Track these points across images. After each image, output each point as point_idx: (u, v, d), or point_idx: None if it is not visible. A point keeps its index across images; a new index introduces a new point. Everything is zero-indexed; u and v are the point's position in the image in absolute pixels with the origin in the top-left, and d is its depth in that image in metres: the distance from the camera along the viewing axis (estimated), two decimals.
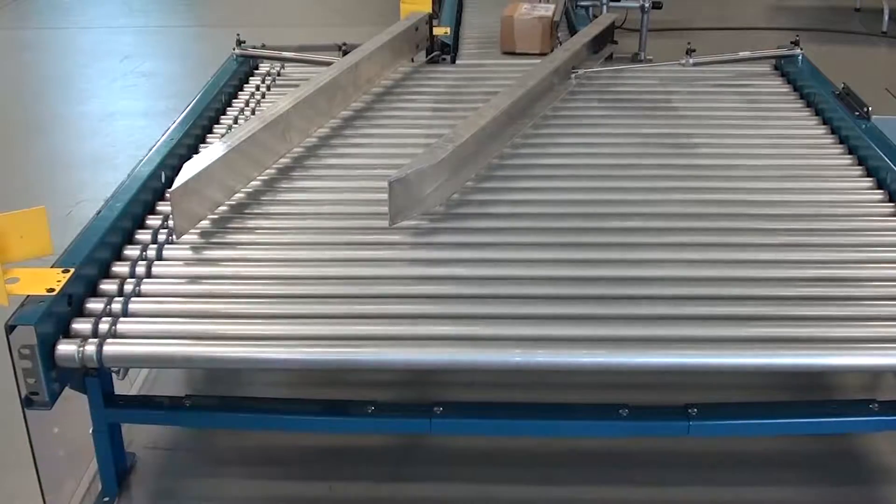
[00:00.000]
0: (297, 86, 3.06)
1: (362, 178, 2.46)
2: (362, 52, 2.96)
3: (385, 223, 2.21)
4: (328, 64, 3.20)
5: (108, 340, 1.82)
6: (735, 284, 2.00)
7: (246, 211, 2.32)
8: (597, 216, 2.27)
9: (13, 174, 3.90)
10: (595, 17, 4.05)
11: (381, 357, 1.83)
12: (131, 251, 2.13)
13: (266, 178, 2.48)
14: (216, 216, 2.30)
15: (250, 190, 2.42)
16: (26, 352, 1.73)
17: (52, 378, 1.78)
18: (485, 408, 2.06)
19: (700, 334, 1.85)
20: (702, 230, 2.19)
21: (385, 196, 2.26)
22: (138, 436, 2.21)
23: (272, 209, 2.32)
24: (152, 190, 2.36)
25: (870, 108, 2.67)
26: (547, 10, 3.55)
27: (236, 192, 2.34)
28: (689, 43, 3.23)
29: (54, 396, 1.78)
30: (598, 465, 2.16)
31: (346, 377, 2.36)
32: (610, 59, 3.44)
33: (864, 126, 2.61)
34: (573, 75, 2.99)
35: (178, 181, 2.14)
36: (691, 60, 3.14)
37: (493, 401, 2.09)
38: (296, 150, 2.63)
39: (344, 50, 3.29)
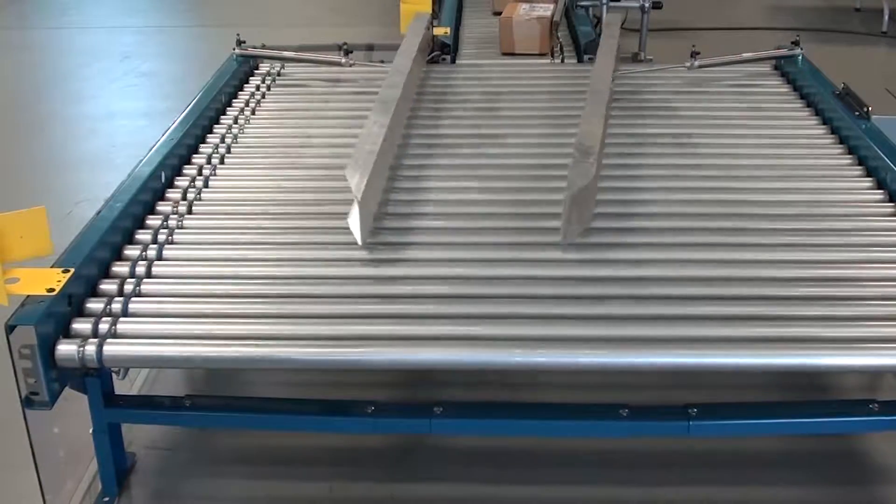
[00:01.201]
0: (299, 86, 3.09)
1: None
2: (409, 56, 2.97)
3: (384, 223, 2.22)
4: (329, 63, 3.21)
5: (108, 340, 1.82)
6: (735, 284, 2.00)
7: (246, 211, 2.32)
8: (597, 216, 2.26)
9: (13, 174, 3.90)
10: (596, 17, 4.05)
11: (381, 357, 1.83)
12: (131, 251, 2.13)
13: (266, 178, 2.49)
14: (216, 216, 2.30)
15: (250, 190, 2.42)
16: (26, 352, 1.73)
17: (52, 378, 1.78)
18: (485, 408, 2.06)
19: (700, 334, 1.85)
20: (702, 230, 2.19)
21: (381, 196, 2.28)
22: (138, 436, 2.21)
23: (272, 209, 2.32)
24: (152, 190, 2.36)
25: (870, 108, 2.67)
26: (546, 11, 3.55)
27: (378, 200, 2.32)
28: (693, 45, 3.23)
29: (54, 396, 1.78)
30: (598, 465, 2.15)
31: (346, 377, 2.36)
32: None
33: (864, 126, 2.61)
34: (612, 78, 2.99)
35: (358, 188, 2.09)
36: (696, 63, 3.14)
37: (493, 401, 2.09)
38: (298, 150, 2.64)
39: (345, 49, 3.29)
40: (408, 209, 2.30)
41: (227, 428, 2.23)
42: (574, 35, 3.76)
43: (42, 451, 1.84)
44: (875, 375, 2.38)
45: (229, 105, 2.96)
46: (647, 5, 4.34)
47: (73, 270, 1.89)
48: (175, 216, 2.27)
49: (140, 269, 2.06)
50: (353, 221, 2.10)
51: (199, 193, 2.38)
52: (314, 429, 2.14)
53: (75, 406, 1.94)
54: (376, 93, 3.04)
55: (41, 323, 1.74)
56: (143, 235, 2.20)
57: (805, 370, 2.21)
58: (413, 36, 3.15)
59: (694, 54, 3.17)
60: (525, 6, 3.61)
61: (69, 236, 2.06)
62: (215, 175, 2.49)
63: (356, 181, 2.12)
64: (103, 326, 1.86)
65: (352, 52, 3.28)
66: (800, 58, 3.18)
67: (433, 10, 3.55)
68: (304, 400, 2.17)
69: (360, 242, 2.09)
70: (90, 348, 1.80)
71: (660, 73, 3.19)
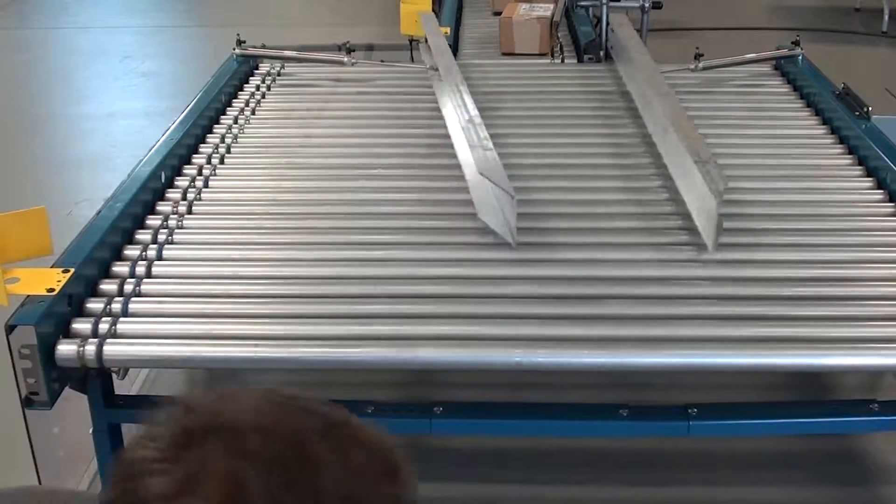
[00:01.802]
0: (299, 86, 3.09)
1: (362, 178, 2.46)
2: (448, 53, 3.03)
3: (384, 223, 2.22)
4: (331, 63, 3.20)
5: (108, 340, 1.82)
6: (735, 284, 1.99)
7: (246, 211, 2.32)
8: (596, 216, 2.27)
9: (13, 174, 3.90)
10: (595, 17, 4.04)
11: (381, 357, 1.83)
12: (131, 251, 2.13)
13: (266, 178, 2.49)
14: (216, 216, 2.30)
15: (250, 190, 2.42)
16: (26, 352, 1.73)
17: (52, 378, 1.77)
18: (485, 408, 2.06)
19: (700, 334, 1.85)
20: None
21: (382, 196, 2.27)
22: None
23: (272, 209, 2.32)
24: (152, 190, 2.36)
25: (870, 108, 2.67)
26: (545, 11, 3.54)
27: None
28: (697, 48, 3.24)
29: (54, 396, 1.78)
30: (598, 465, 2.16)
31: (346, 377, 2.36)
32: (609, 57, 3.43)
33: (864, 126, 2.61)
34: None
35: (509, 186, 2.07)
36: (700, 65, 3.15)
37: (493, 401, 2.09)
38: (298, 150, 2.64)
39: (348, 48, 3.28)
40: (407, 209, 2.30)
41: None
42: (574, 35, 3.75)
43: (42, 451, 1.84)
44: (875, 375, 2.38)
45: (229, 105, 2.96)
46: (647, 5, 4.33)
47: (73, 270, 1.89)
48: (175, 216, 2.27)
49: (140, 269, 2.06)
50: (505, 221, 2.06)
51: (199, 193, 2.38)
52: None
53: (75, 406, 1.94)
54: (377, 93, 3.06)
55: (41, 323, 1.74)
56: (143, 235, 2.20)
57: (805, 370, 2.21)
58: (436, 35, 3.18)
59: (698, 56, 3.17)
60: (525, 6, 3.61)
61: (69, 236, 2.06)
62: (215, 175, 2.49)
63: (504, 182, 2.09)
64: (103, 326, 1.86)
65: (354, 50, 3.28)
66: (800, 58, 3.18)
67: (433, 9, 3.55)
68: None
69: (514, 244, 2.06)
70: (90, 348, 1.80)
71: (666, 75, 3.18)
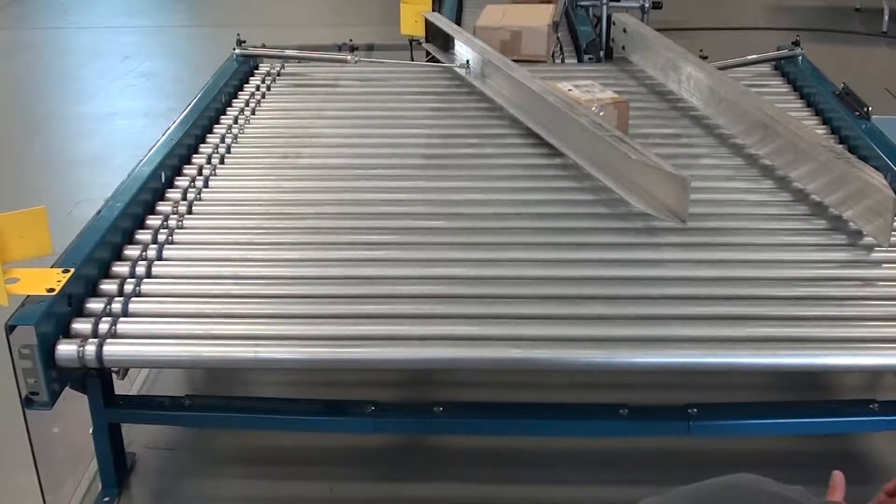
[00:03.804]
0: (299, 85, 3.10)
1: (362, 178, 2.46)
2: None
3: (384, 223, 2.22)
4: (334, 62, 3.20)
5: (108, 340, 1.82)
6: (735, 284, 2.00)
7: (246, 211, 2.32)
8: (596, 216, 2.27)
9: (13, 174, 3.90)
10: (595, 17, 4.05)
11: (381, 357, 1.83)
12: (131, 251, 2.13)
13: (266, 178, 2.49)
14: (216, 216, 2.30)
15: (250, 190, 2.42)
16: (26, 352, 1.73)
17: (52, 378, 1.78)
18: (485, 408, 2.06)
19: (700, 334, 1.85)
20: (701, 230, 2.19)
21: (382, 196, 2.27)
22: (138, 436, 2.21)
23: (272, 209, 2.32)
24: (152, 190, 2.36)
25: (870, 108, 2.67)
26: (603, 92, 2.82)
27: None
28: (701, 50, 3.23)
29: (54, 396, 1.78)
30: (598, 465, 2.15)
31: (346, 377, 2.36)
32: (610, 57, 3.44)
33: (864, 126, 2.61)
34: None
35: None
36: None
37: (493, 401, 2.09)
38: (298, 150, 2.64)
39: (350, 46, 3.28)
40: (408, 209, 2.30)
41: (227, 428, 2.23)
42: (574, 35, 3.75)
43: (42, 451, 1.84)
44: (875, 375, 2.38)
45: (229, 105, 2.96)
46: (647, 5, 4.34)
47: (73, 270, 1.89)
48: (175, 216, 2.27)
49: (140, 270, 2.06)
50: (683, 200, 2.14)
51: (199, 193, 2.38)
52: (314, 429, 2.14)
53: (75, 406, 1.94)
54: (377, 92, 3.06)
55: (41, 323, 1.74)
56: (143, 235, 2.20)
57: (805, 370, 2.22)
58: (459, 32, 3.26)
59: (702, 58, 3.17)
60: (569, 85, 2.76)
61: (69, 236, 2.06)
62: (215, 175, 2.49)
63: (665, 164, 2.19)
64: (103, 326, 1.86)
65: (357, 48, 3.28)
66: (800, 58, 3.18)
67: (433, 9, 3.55)
68: (304, 400, 2.17)
69: (686, 222, 2.14)
70: (90, 348, 1.80)
71: None
